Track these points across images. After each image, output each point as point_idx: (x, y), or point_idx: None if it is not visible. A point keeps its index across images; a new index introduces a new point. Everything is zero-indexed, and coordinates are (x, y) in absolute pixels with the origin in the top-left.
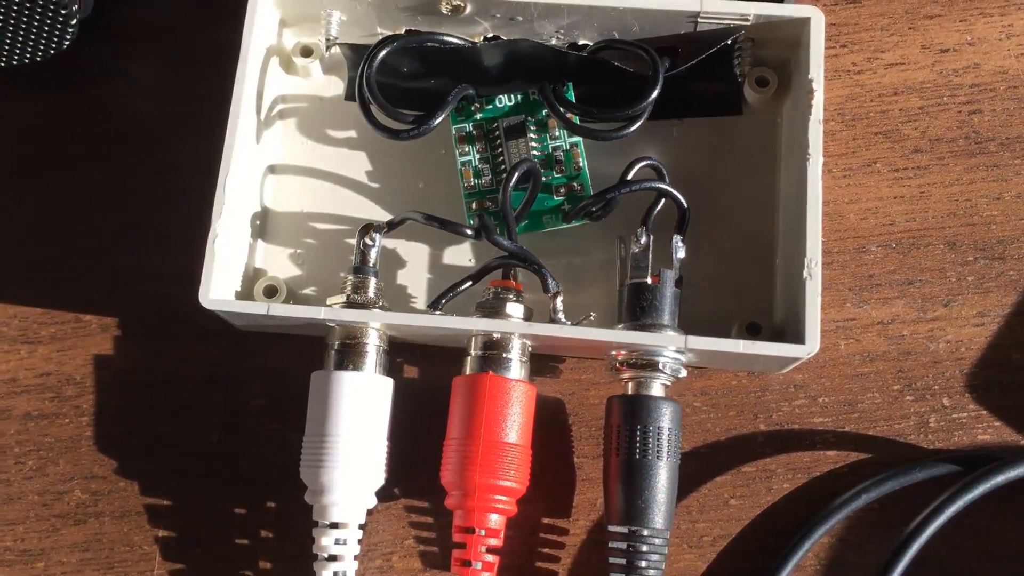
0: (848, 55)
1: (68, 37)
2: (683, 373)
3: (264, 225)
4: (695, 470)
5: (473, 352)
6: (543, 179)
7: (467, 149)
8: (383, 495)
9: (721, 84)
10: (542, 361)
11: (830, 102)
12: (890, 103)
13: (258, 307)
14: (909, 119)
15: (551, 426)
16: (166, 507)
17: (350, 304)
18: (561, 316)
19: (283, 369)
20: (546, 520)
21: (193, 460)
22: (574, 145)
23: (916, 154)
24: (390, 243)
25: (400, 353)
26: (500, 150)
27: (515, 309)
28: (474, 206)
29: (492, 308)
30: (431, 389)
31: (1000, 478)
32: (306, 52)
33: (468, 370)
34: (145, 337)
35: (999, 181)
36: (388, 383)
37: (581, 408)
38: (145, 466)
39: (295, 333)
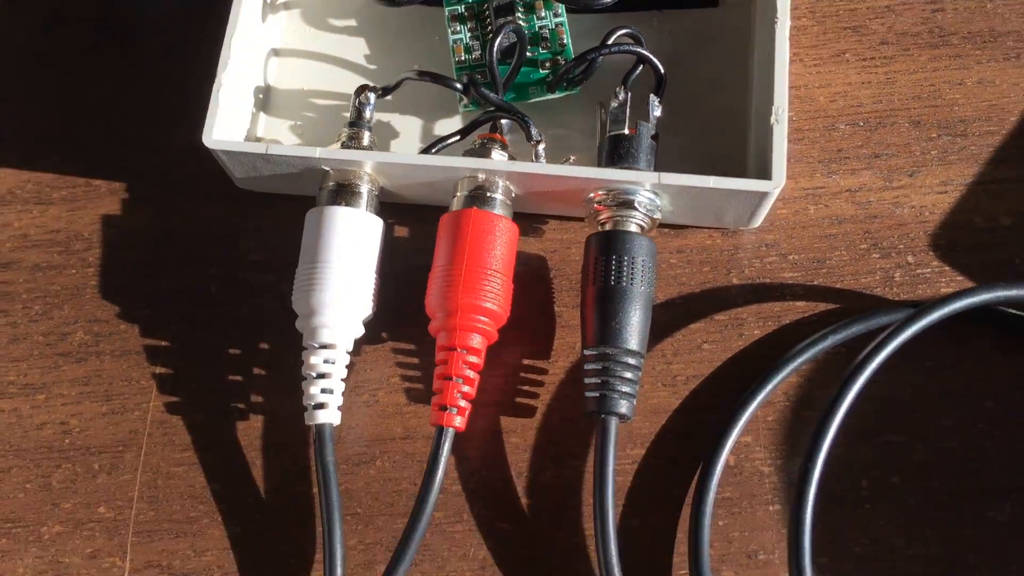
0: None
1: None
2: (658, 215)
3: (266, 100)
4: (670, 318)
5: (459, 194)
6: (529, 54)
7: (458, 28)
8: (372, 338)
9: None
10: (526, 221)
11: (802, 2)
12: (858, 3)
13: (257, 147)
14: (876, 16)
15: (534, 280)
16: (164, 348)
17: (345, 148)
18: (543, 160)
19: (280, 227)
20: (527, 362)
21: (192, 307)
22: (559, 24)
23: (883, 46)
24: (384, 116)
25: (391, 215)
26: (490, 28)
27: (500, 155)
28: (465, 78)
29: (478, 154)
30: (420, 249)
31: (943, 311)
32: None
33: (454, 208)
34: (151, 200)
35: (961, 69)
36: (378, 222)
37: (563, 264)
38: (146, 312)
39: (292, 193)
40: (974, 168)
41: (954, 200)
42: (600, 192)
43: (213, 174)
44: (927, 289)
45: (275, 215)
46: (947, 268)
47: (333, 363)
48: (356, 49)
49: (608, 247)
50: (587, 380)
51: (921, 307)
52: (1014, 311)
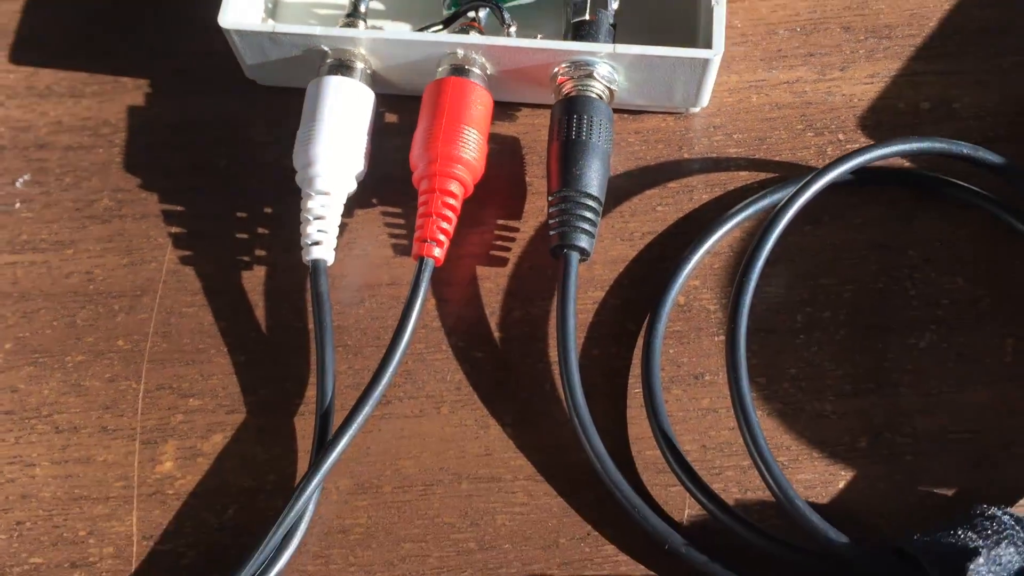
0: None
1: None
2: (615, 86)
3: (275, 9)
4: (628, 186)
5: (440, 67)
6: None
7: None
8: (363, 203)
9: None
10: (501, 109)
11: None
12: None
13: (265, 27)
14: None
15: (507, 155)
16: (179, 212)
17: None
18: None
19: (283, 113)
20: (500, 221)
21: (204, 179)
22: None
23: None
24: (376, 21)
25: (381, 105)
26: None
27: (476, 35)
28: None
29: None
30: (406, 133)
31: (850, 164)
32: None
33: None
34: (170, 93)
35: None
36: (370, 92)
37: (534, 144)
38: (164, 183)
39: (294, 85)
40: (897, 64)
41: (880, 89)
42: (564, 66)
43: (226, 72)
44: None
45: (279, 104)
46: (873, 143)
47: (328, 208)
48: None
49: (570, 108)
50: (551, 221)
51: (840, 157)
52: (927, 171)
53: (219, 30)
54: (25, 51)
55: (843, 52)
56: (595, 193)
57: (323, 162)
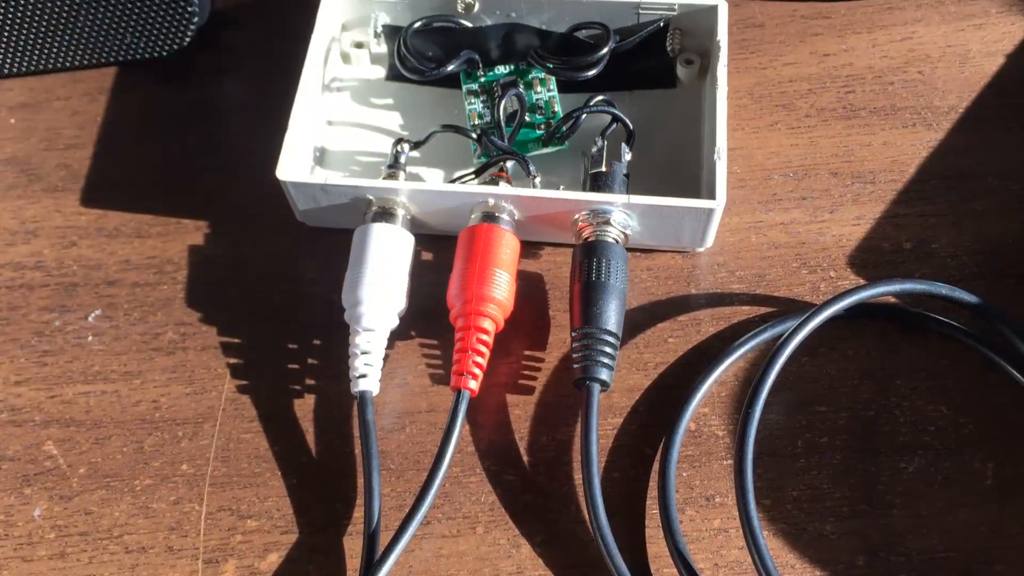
0: (755, 58)
1: (187, 38)
2: (629, 231)
3: (323, 157)
4: (641, 320)
5: (473, 215)
6: (527, 119)
7: (473, 100)
8: (403, 335)
9: (659, 62)
10: (527, 247)
11: (742, 87)
12: (787, 87)
13: (317, 179)
14: (801, 97)
15: (533, 291)
16: (236, 343)
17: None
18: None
19: (331, 252)
20: (527, 352)
21: (259, 313)
22: (552, 96)
23: (807, 118)
24: (415, 168)
25: (419, 244)
26: (498, 99)
27: (506, 186)
28: (479, 130)
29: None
30: (442, 268)
31: (845, 301)
32: (358, 45)
33: (469, 225)
34: (228, 233)
35: (869, 135)
36: (410, 237)
37: (557, 280)
38: (222, 316)
39: (341, 226)
40: (881, 207)
41: (866, 230)
42: (583, 213)
43: (278, 213)
44: None
45: (326, 243)
46: (861, 280)
47: (373, 343)
48: (393, 120)
49: (590, 252)
50: (574, 355)
51: (832, 298)
52: (912, 308)
53: (271, 177)
54: (95, 195)
55: (832, 196)
56: (613, 329)
57: (369, 302)
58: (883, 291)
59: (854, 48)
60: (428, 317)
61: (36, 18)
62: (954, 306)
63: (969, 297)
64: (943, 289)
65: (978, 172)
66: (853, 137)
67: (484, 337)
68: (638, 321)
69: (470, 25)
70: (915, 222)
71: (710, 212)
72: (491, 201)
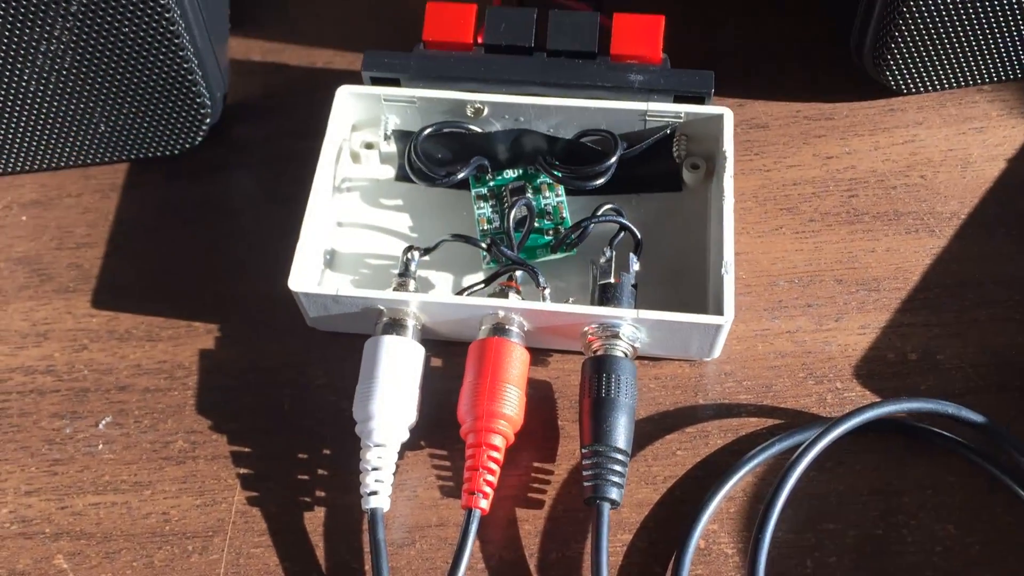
0: (759, 159)
1: (200, 137)
2: (638, 344)
3: (333, 260)
4: (650, 431)
5: (483, 327)
6: (536, 225)
7: (482, 205)
8: (413, 445)
9: (665, 167)
10: (536, 354)
11: (747, 189)
12: (791, 190)
13: (328, 290)
14: (805, 200)
15: (542, 400)
16: (246, 453)
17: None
18: (548, 301)
19: (341, 358)
20: (537, 464)
21: (268, 421)
22: (560, 202)
23: (811, 223)
24: (425, 273)
25: (430, 349)
26: (507, 205)
27: (515, 298)
28: (488, 240)
29: (498, 297)
30: (452, 376)
31: (856, 419)
32: (368, 146)
33: (480, 338)
34: (239, 338)
35: (872, 240)
36: (421, 349)
37: (565, 388)
38: (232, 425)
39: (350, 331)
40: (886, 315)
41: (871, 340)
42: (592, 326)
43: (288, 318)
44: (852, 408)
45: (337, 349)
46: (868, 392)
47: (384, 459)
48: (402, 222)
49: (599, 368)
50: (584, 472)
51: (836, 418)
52: (918, 423)
53: (283, 281)
54: (106, 296)
55: (837, 303)
56: (623, 446)
57: (379, 418)
58: (891, 410)
59: (857, 151)
60: (438, 426)
61: (50, 116)
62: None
63: (974, 416)
64: (949, 408)
65: (981, 280)
66: (857, 243)
67: (495, 454)
68: (647, 432)
69: (479, 130)
70: (920, 332)
71: (718, 327)
72: (501, 313)
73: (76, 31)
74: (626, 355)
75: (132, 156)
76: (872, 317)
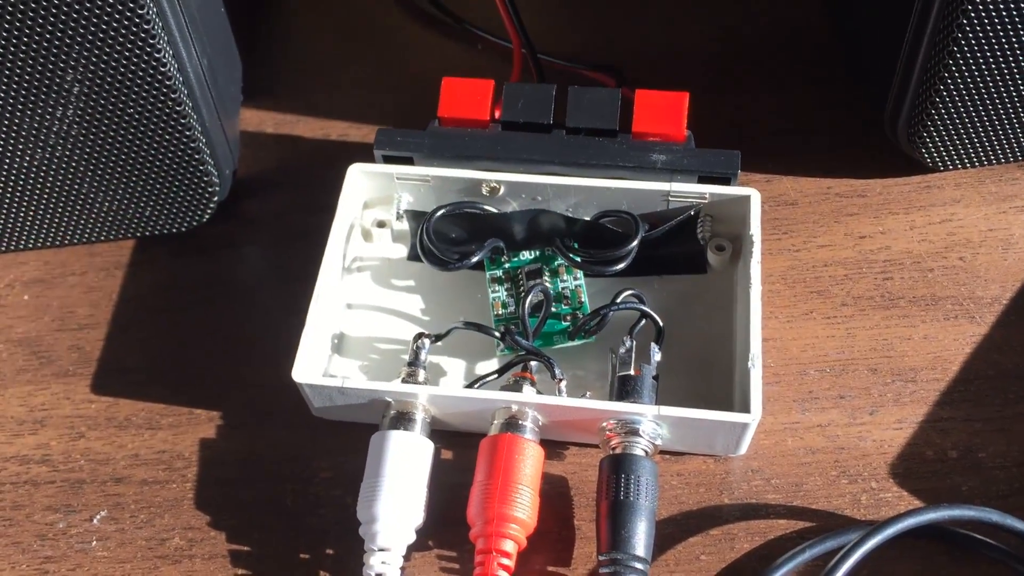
0: (788, 239)
1: (207, 214)
2: (659, 441)
3: (341, 344)
4: (672, 533)
5: (496, 422)
6: (553, 309)
7: (497, 288)
8: (420, 545)
9: (689, 249)
10: (551, 447)
11: (775, 270)
12: (821, 272)
13: (335, 382)
14: (836, 283)
15: (557, 497)
16: (246, 552)
17: (404, 383)
18: (564, 395)
19: (346, 450)
20: (551, 568)
21: (271, 517)
22: (578, 286)
23: (843, 307)
24: (436, 358)
25: (440, 440)
26: (522, 288)
27: (529, 390)
28: (502, 328)
29: (512, 389)
30: (463, 469)
31: (894, 528)
32: (380, 224)
33: (491, 433)
34: (240, 426)
35: (909, 327)
36: (429, 445)
37: (582, 484)
38: (232, 521)
39: (357, 421)
40: (924, 408)
41: (908, 435)
42: (611, 422)
43: (292, 406)
44: (888, 510)
45: (343, 440)
46: (905, 493)
47: (389, 564)
48: (414, 303)
49: (618, 467)
50: None
51: (875, 525)
52: (960, 530)
53: (288, 369)
54: (106, 381)
55: (871, 395)
56: (642, 554)
57: (384, 520)
58: (932, 518)
59: (891, 230)
60: (448, 525)
61: (54, 194)
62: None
63: (1020, 525)
64: (994, 516)
65: None
66: (892, 329)
67: (506, 561)
68: (669, 534)
69: (495, 211)
70: (960, 427)
71: (745, 426)
72: (514, 407)
73: (80, 111)
74: (647, 453)
75: (138, 234)
76: (909, 410)
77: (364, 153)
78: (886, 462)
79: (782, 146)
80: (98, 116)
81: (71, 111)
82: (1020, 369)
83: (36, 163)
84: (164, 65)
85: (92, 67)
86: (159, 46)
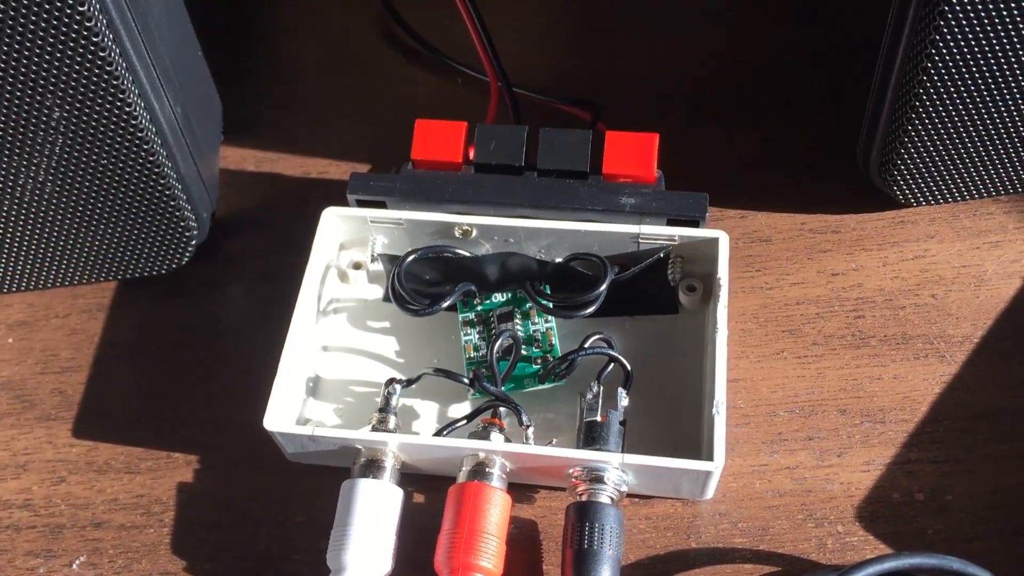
0: (761, 276)
1: (186, 257)
2: (624, 488)
3: (316, 387)
4: None
5: (464, 468)
6: (524, 352)
7: (469, 331)
8: None
9: (659, 289)
10: (521, 491)
11: (747, 309)
12: (793, 310)
13: (305, 430)
14: (808, 321)
15: (526, 541)
16: None
17: (374, 431)
18: (531, 442)
19: (320, 493)
20: None
21: (245, 562)
22: (549, 328)
23: (814, 346)
24: (409, 401)
25: (410, 483)
26: (494, 331)
27: (497, 437)
28: (471, 374)
29: (480, 436)
30: (432, 512)
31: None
32: (356, 266)
33: (459, 480)
34: (218, 470)
35: (879, 366)
36: (399, 492)
37: (550, 528)
38: (208, 566)
39: (330, 464)
40: (892, 450)
41: (876, 478)
42: (577, 469)
43: (268, 449)
44: (854, 555)
45: (318, 483)
46: (871, 537)
47: None
48: (388, 345)
49: (583, 516)
50: None
51: (839, 572)
52: None
53: (263, 413)
54: (87, 425)
55: (840, 436)
56: None
57: (352, 570)
58: (895, 566)
59: (864, 267)
60: (416, 567)
61: (34, 239)
62: None
63: (982, 573)
64: (955, 563)
65: (995, 412)
66: (863, 369)
67: None
68: None
69: (467, 254)
70: (928, 469)
71: (708, 474)
72: (481, 455)
73: (56, 163)
74: (612, 500)
75: (119, 277)
76: (877, 452)
77: (343, 192)
78: (853, 505)
79: (757, 181)
80: (73, 168)
81: (46, 164)
82: (989, 409)
83: (15, 212)
84: (136, 118)
85: (64, 123)
86: (130, 100)
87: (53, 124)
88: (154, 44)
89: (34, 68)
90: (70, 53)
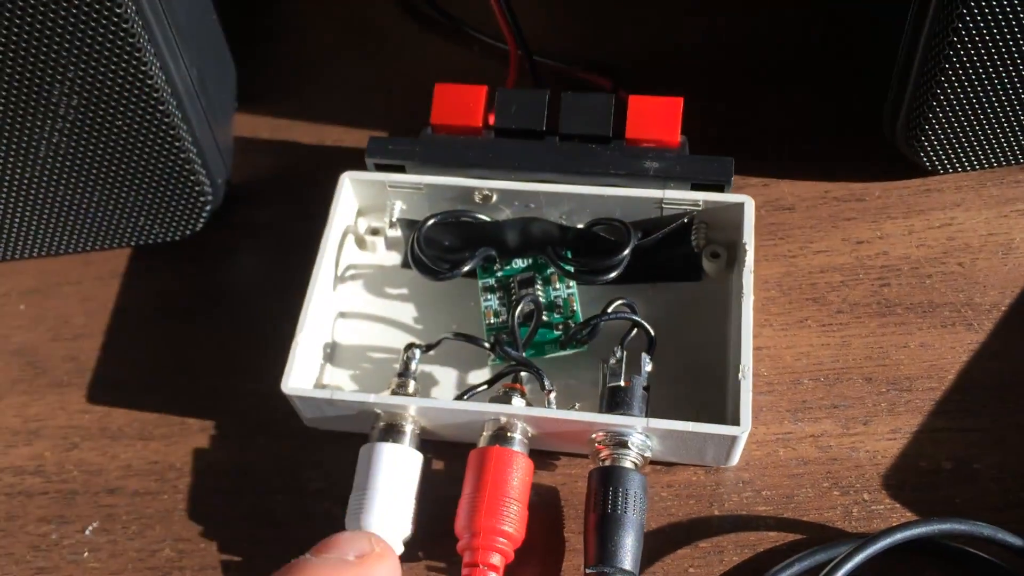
0: (784, 244)
1: (201, 223)
2: (648, 453)
3: (333, 353)
4: (660, 545)
5: (485, 433)
6: (544, 318)
7: (489, 297)
8: (409, 557)
9: (682, 255)
10: (541, 458)
11: (771, 276)
12: (817, 278)
13: (324, 393)
14: (833, 289)
15: (547, 507)
16: (236, 562)
17: (393, 395)
18: (553, 406)
19: (337, 460)
20: None
21: (261, 529)
22: (571, 294)
23: (839, 314)
24: (428, 367)
25: (430, 450)
26: (515, 297)
27: (519, 402)
28: (492, 338)
29: (502, 400)
30: (452, 479)
31: (884, 541)
32: (374, 232)
33: (480, 445)
34: (233, 437)
35: (905, 335)
36: (419, 456)
37: (572, 495)
38: (222, 532)
39: (348, 431)
40: (918, 418)
41: (902, 446)
42: (600, 433)
43: (284, 416)
44: (880, 523)
45: (334, 450)
46: (897, 505)
47: None
48: (406, 312)
49: (606, 480)
50: None
51: (865, 539)
52: (952, 544)
53: (279, 380)
54: (100, 391)
55: (866, 404)
56: (630, 567)
57: (374, 531)
58: (922, 532)
59: (889, 235)
60: (437, 536)
61: (47, 204)
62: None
63: (1013, 540)
64: (985, 530)
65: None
66: (888, 337)
67: (493, 574)
68: (657, 547)
69: (487, 219)
70: (955, 438)
71: (734, 439)
72: (503, 419)
73: (70, 125)
74: (636, 465)
75: (133, 243)
76: (903, 420)
77: (360, 158)
78: (879, 473)
79: (780, 149)
80: (87, 129)
81: (60, 125)
82: (1018, 378)
83: (28, 176)
84: (151, 78)
85: (79, 82)
86: (145, 59)
87: (68, 83)
88: (170, 4)
89: (49, 24)
90: (85, 8)
